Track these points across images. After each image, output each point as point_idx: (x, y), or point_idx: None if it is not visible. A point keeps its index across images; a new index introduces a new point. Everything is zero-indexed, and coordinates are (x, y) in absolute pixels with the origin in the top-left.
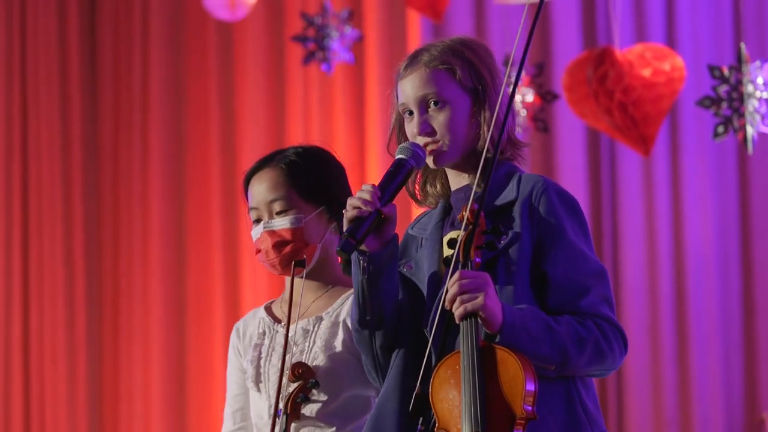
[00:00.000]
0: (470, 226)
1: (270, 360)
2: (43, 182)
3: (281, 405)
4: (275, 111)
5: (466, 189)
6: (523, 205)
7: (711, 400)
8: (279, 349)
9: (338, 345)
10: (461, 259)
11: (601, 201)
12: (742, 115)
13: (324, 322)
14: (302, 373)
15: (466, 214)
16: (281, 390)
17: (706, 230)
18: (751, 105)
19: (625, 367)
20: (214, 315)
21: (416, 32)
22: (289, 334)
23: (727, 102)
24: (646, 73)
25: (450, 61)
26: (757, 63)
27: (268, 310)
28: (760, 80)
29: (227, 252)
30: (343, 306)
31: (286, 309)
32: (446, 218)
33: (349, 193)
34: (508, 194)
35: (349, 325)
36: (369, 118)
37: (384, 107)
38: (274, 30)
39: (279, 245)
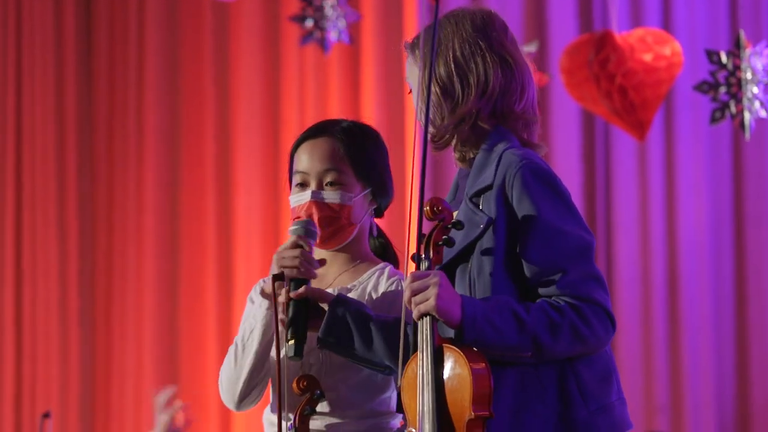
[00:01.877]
0: (437, 222)
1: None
2: (36, 160)
3: (291, 417)
4: (270, 91)
5: (464, 171)
6: (499, 190)
7: (702, 387)
8: None
9: None
10: (422, 256)
11: (595, 187)
12: (739, 101)
13: (351, 294)
14: (307, 385)
15: (427, 209)
16: (282, 389)
17: (699, 217)
18: (750, 91)
19: (616, 354)
20: (206, 294)
21: (413, 13)
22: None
23: (725, 87)
24: (648, 57)
25: (412, 42)
26: (757, 48)
27: None
28: (759, 66)
29: (221, 231)
30: (371, 279)
31: (313, 282)
32: (456, 194)
33: (391, 177)
34: (487, 177)
35: (374, 295)
36: (364, 99)
37: (379, 88)
38: (270, 10)
39: (326, 220)
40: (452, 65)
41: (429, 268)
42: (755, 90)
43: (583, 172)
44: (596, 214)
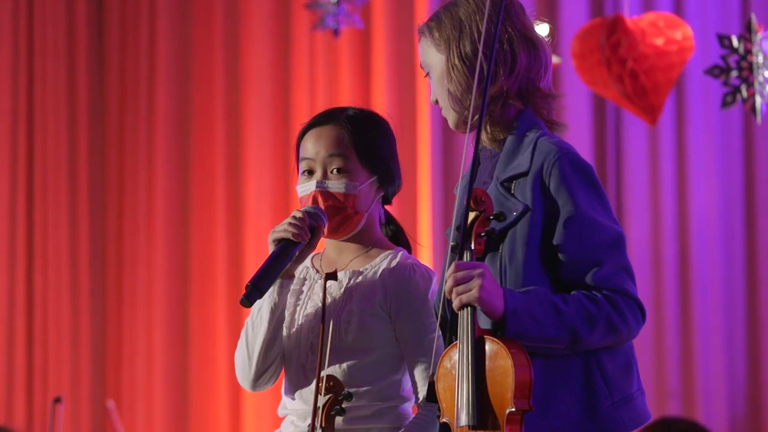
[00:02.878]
0: (478, 213)
1: (305, 308)
2: (48, 147)
3: (317, 421)
4: (281, 77)
5: (491, 150)
6: (535, 177)
7: (713, 371)
8: (315, 299)
9: (375, 302)
10: (464, 247)
11: (605, 171)
12: (751, 85)
13: (362, 276)
14: (333, 385)
15: (470, 200)
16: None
17: (710, 201)
18: (761, 75)
19: None
20: (216, 280)
21: None
22: (327, 285)
23: (736, 71)
24: (659, 41)
25: (428, 24)
26: None
27: (313, 260)
28: None
29: (231, 218)
30: (383, 262)
31: (324, 265)
32: (476, 172)
33: (398, 164)
34: (522, 164)
35: (387, 278)
36: (375, 84)
37: (390, 73)
38: None
39: (331, 210)
40: (479, 45)
41: (471, 259)
42: (767, 74)
43: (594, 157)
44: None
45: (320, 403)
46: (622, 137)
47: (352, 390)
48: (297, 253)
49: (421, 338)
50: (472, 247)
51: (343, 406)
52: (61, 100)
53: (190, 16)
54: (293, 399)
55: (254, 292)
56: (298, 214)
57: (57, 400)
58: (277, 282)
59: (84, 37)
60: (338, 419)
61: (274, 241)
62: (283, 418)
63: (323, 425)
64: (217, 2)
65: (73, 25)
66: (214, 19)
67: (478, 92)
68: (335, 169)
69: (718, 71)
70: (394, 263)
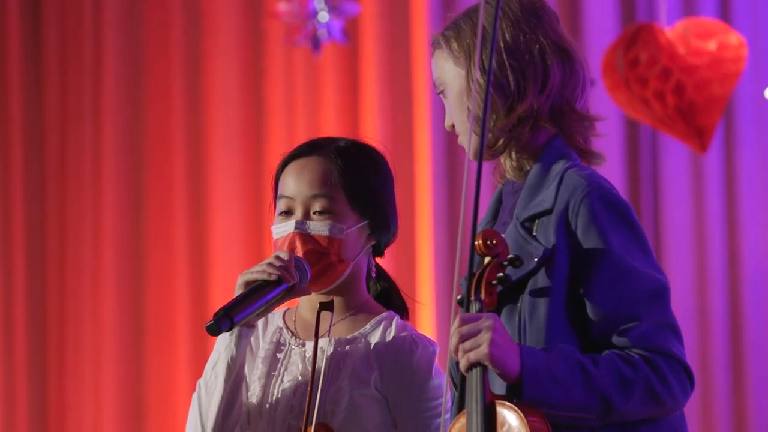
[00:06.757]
0: (489, 259)
1: (281, 380)
2: None
3: None
4: (252, 99)
5: (514, 184)
6: (560, 217)
7: None
8: (292, 369)
9: (370, 382)
10: (471, 297)
11: (640, 207)
12: None
13: (352, 347)
14: None
15: (479, 242)
16: None
17: (765, 242)
18: None
19: None
20: (177, 339)
21: (422, 6)
22: (306, 354)
23: None
24: (683, 52)
25: (444, 34)
26: None
27: (285, 319)
28: None
29: (194, 263)
30: (375, 331)
31: (300, 328)
32: (498, 211)
33: (395, 210)
34: (546, 200)
35: (385, 355)
36: (364, 108)
37: (383, 95)
38: (251, 2)
39: (311, 255)
40: (504, 55)
41: (480, 311)
42: None
43: (627, 191)
44: None
45: None
46: (660, 167)
47: None
48: (281, 294)
49: (426, 425)
50: (482, 298)
51: None
52: None
53: (142, 26)
54: None
55: (224, 319)
56: (284, 255)
57: None
58: (234, 331)
59: (17, 53)
60: None
61: (245, 282)
62: None
63: None
64: (175, 10)
65: (5, 40)
66: (171, 28)
67: (503, 111)
68: (318, 211)
69: None
70: (390, 335)
